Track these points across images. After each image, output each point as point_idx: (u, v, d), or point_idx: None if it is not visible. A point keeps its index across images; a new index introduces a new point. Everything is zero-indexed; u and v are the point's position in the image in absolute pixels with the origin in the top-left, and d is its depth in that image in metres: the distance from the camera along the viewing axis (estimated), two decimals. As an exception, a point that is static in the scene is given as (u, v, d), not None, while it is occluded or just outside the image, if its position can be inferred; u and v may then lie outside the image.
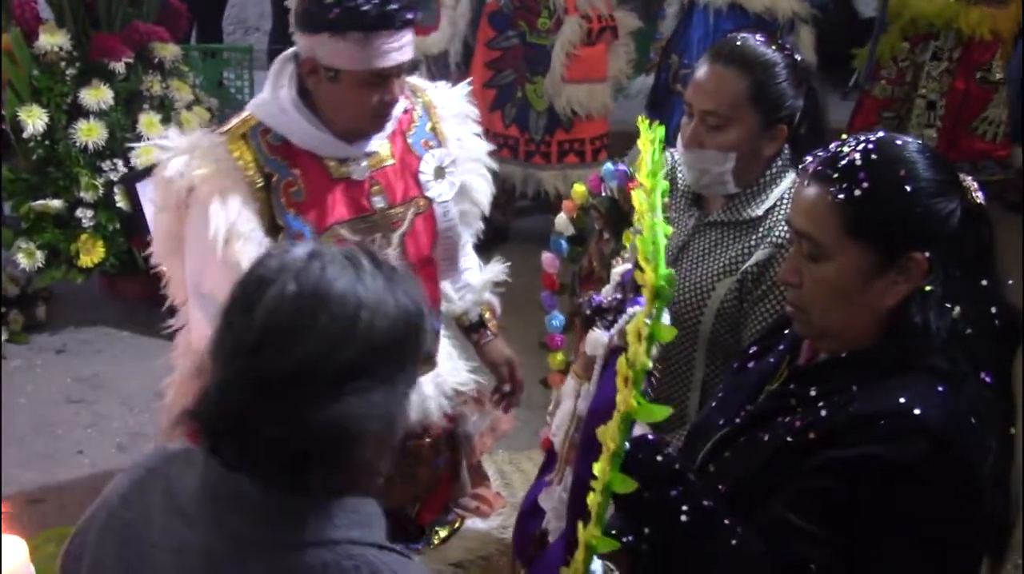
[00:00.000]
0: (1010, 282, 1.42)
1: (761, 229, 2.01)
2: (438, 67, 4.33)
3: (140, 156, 3.65)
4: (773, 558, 1.31)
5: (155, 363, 3.79)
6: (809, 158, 1.43)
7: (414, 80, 2.34)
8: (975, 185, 1.40)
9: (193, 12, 5.56)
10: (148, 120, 3.84)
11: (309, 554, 1.12)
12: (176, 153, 2.07)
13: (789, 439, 1.37)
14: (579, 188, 2.12)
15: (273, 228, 2.07)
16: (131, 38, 3.83)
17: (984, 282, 1.37)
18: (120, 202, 3.83)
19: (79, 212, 3.82)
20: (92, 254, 3.84)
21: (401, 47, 1.98)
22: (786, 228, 1.93)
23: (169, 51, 3.96)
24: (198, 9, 5.61)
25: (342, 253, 1.18)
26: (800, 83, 1.99)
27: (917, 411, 1.28)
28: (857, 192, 1.34)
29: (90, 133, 3.77)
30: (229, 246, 2.00)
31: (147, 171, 3.48)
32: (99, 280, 4.13)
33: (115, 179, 3.83)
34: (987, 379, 1.35)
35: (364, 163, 2.14)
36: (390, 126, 2.16)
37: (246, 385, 1.13)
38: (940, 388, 1.32)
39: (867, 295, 1.37)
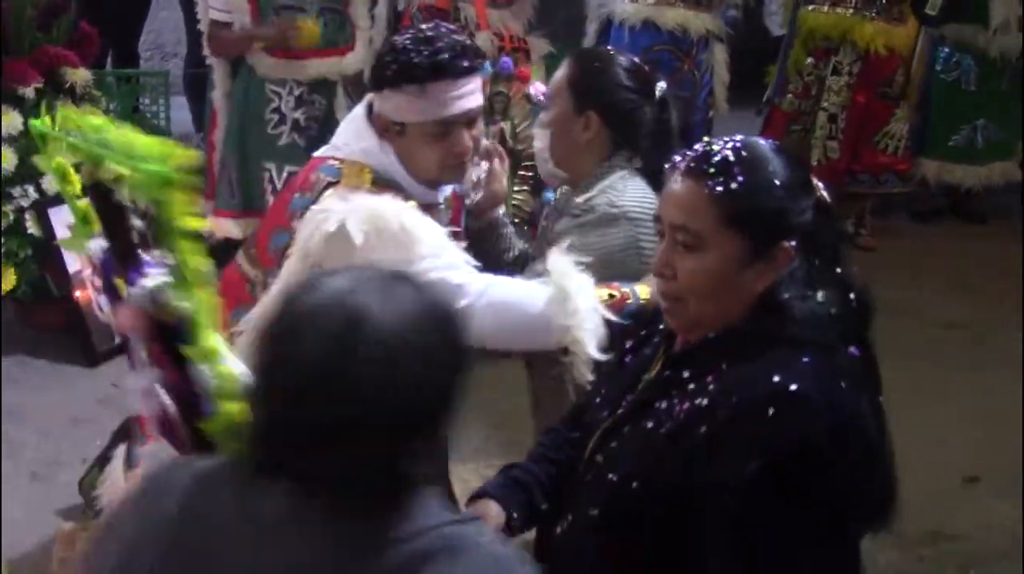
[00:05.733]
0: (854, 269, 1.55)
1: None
2: (355, 88, 4.35)
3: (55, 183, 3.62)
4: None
5: (70, 390, 3.79)
6: (677, 157, 1.53)
7: None
8: (821, 185, 1.53)
9: (108, 37, 5.52)
10: (59, 145, 3.81)
11: (409, 546, 1.15)
12: (346, 215, 1.98)
13: (671, 428, 1.43)
14: None
15: None
16: (40, 62, 3.81)
17: (839, 270, 1.49)
18: (32, 229, 3.79)
19: (-11, 239, 3.77)
20: (4, 281, 3.78)
21: (463, 96, 2.04)
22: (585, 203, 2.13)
23: (80, 76, 3.93)
24: (112, 34, 5.56)
25: (375, 287, 1.16)
26: (644, 85, 2.22)
27: (793, 387, 1.36)
28: (733, 185, 1.44)
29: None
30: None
31: (59, 198, 3.45)
32: (13, 308, 4.08)
33: (26, 206, 3.78)
34: (855, 352, 1.46)
35: (443, 207, 2.21)
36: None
37: (287, 431, 1.15)
38: (805, 359, 1.40)
39: (740, 282, 1.47)
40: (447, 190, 2.22)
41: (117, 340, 3.99)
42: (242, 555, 1.17)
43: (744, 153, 1.47)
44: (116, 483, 2.42)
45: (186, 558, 1.20)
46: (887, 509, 1.47)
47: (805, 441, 1.35)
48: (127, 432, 2.60)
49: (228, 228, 4.00)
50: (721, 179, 1.45)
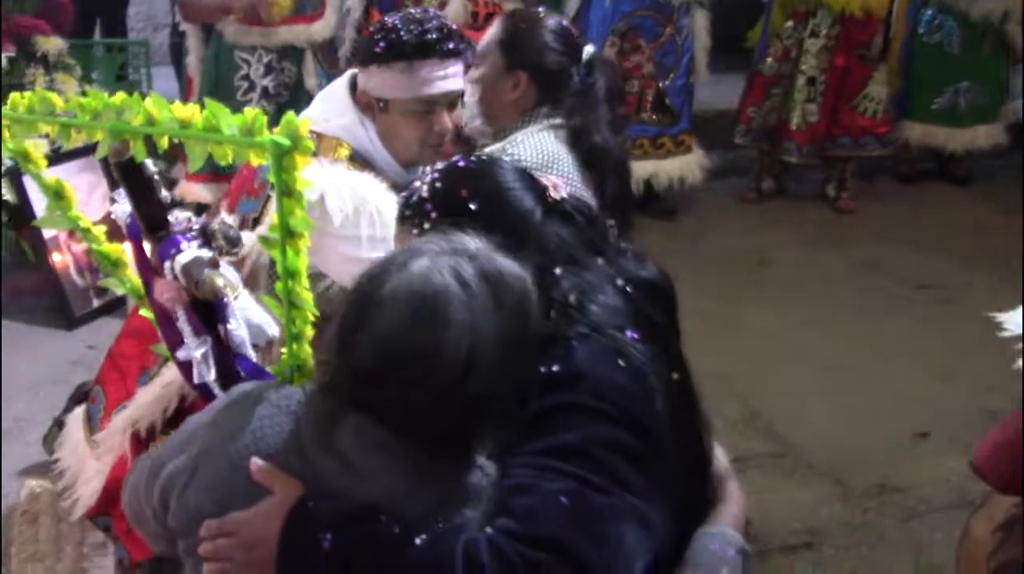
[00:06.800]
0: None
1: None
2: (325, 55, 4.40)
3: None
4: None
5: (44, 352, 3.89)
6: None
7: None
8: (552, 182, 1.49)
9: (95, 8, 5.60)
10: (32, 113, 3.88)
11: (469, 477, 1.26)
12: (325, 187, 2.02)
13: None
14: None
15: None
16: (12, 31, 3.88)
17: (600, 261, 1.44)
18: (6, 194, 3.88)
19: (-35, 207, 3.87)
20: (-20, 247, 3.88)
21: (446, 76, 2.09)
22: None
23: (52, 44, 4.01)
24: (99, 5, 5.65)
25: (451, 272, 1.21)
26: (571, 47, 2.30)
27: (556, 368, 1.33)
28: (426, 225, 1.41)
29: (-27, 127, 3.80)
30: None
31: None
32: (-9, 273, 4.18)
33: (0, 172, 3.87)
34: (634, 335, 1.40)
35: None
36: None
37: (361, 400, 1.23)
38: (571, 343, 1.35)
39: None
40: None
41: (95, 303, 4.10)
42: (317, 479, 1.25)
43: (438, 184, 1.44)
44: (75, 444, 2.47)
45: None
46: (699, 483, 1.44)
47: (567, 403, 1.31)
48: (86, 394, 2.67)
49: (198, 192, 4.07)
50: (416, 221, 1.44)
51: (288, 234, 1.39)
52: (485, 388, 1.22)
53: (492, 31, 2.37)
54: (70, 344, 3.88)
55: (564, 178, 2.18)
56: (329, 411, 1.27)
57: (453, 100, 2.15)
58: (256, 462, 1.25)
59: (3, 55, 3.84)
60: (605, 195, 2.29)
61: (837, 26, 5.13)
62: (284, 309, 1.47)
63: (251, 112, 1.33)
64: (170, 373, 2.09)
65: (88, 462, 2.28)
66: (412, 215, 1.45)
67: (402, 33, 2.06)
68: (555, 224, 1.44)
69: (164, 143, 1.43)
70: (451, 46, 2.08)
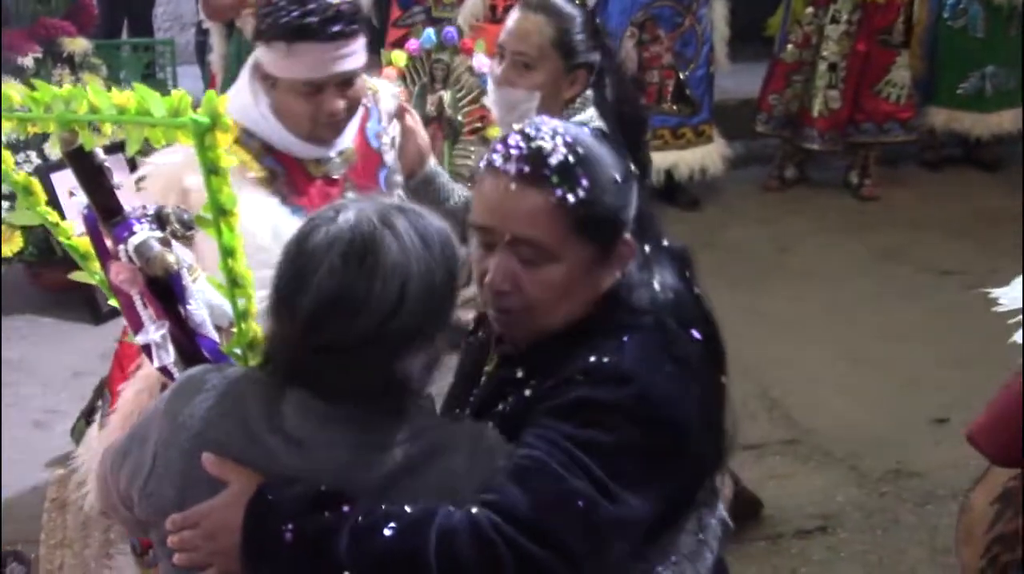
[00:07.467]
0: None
1: None
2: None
3: (53, 147, 3.78)
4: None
5: (74, 346, 3.99)
6: (496, 156, 1.37)
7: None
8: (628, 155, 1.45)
9: (123, 8, 5.70)
10: (59, 112, 3.97)
11: (420, 443, 1.30)
12: (175, 168, 2.04)
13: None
14: (398, 54, 2.38)
15: None
16: (38, 33, 3.97)
17: (665, 243, 1.45)
18: (36, 193, 3.96)
19: (-4, 204, 3.96)
20: (11, 243, 3.97)
21: (333, 59, 2.01)
22: None
23: (78, 45, 4.09)
24: (127, 5, 5.74)
25: (379, 217, 1.26)
26: (596, 36, 2.22)
27: (605, 360, 1.32)
28: (581, 192, 1.33)
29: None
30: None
31: (62, 162, 3.61)
32: (24, 270, 4.28)
33: (29, 171, 3.95)
34: (696, 335, 1.41)
35: (338, 160, 2.19)
36: (356, 120, 2.20)
37: (308, 350, 1.26)
38: (625, 338, 1.35)
39: (589, 285, 1.39)
40: (345, 142, 2.20)
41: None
42: (268, 461, 1.29)
43: (580, 150, 1.35)
44: (89, 441, 2.53)
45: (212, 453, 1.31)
46: (694, 500, 1.43)
47: (604, 401, 1.30)
48: (102, 390, 2.75)
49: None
50: (565, 186, 1.33)
51: (220, 212, 1.44)
52: (413, 325, 1.25)
53: (538, 33, 2.25)
54: (98, 338, 3.96)
55: None
56: (272, 392, 1.31)
57: (347, 79, 2.06)
58: (208, 457, 1.29)
59: (29, 56, 3.93)
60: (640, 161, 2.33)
61: (858, 11, 5.10)
62: (227, 287, 1.52)
63: (177, 94, 1.39)
64: (148, 363, 2.18)
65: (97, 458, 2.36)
66: (559, 181, 1.34)
67: (282, 14, 1.98)
68: (643, 199, 1.42)
69: (108, 129, 1.49)
70: (337, 28, 1.98)
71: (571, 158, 1.33)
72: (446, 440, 1.33)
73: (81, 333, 4.04)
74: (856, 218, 5.20)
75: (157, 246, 1.58)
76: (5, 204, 3.94)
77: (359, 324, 1.23)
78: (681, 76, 5.07)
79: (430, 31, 2.40)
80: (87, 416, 3.05)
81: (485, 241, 1.38)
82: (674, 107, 5.10)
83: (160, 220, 1.63)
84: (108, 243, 1.66)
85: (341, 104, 2.08)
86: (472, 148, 2.94)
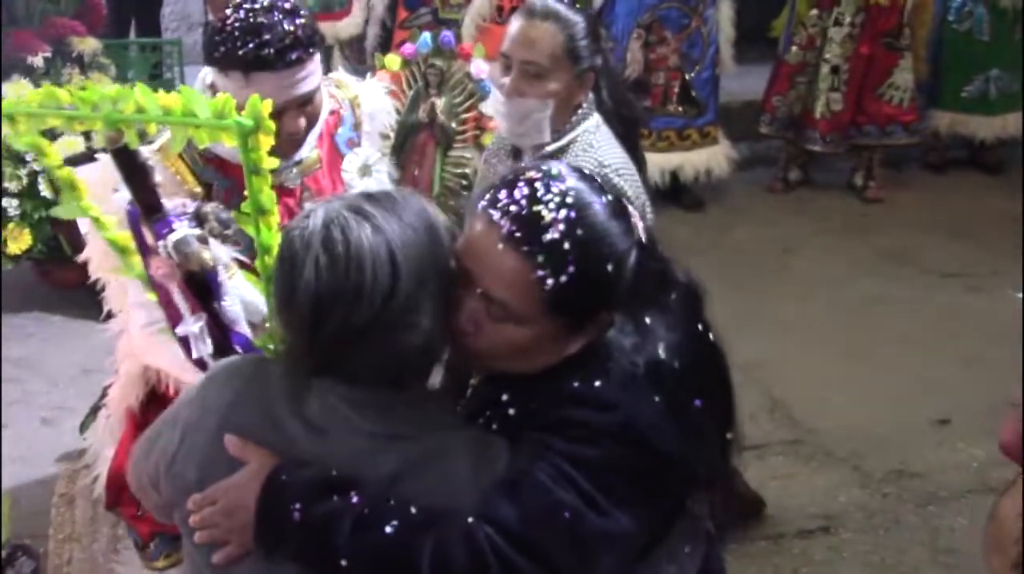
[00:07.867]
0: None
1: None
2: (353, 52, 4.48)
3: (66, 146, 3.80)
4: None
5: (82, 343, 4.01)
6: (497, 197, 1.32)
7: (340, 76, 2.41)
8: (635, 214, 1.38)
9: (130, 9, 5.73)
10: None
11: (431, 441, 1.33)
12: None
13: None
14: (392, 58, 2.46)
15: None
16: (47, 33, 3.99)
17: (663, 296, 1.38)
18: (45, 191, 3.99)
19: (4, 202, 3.98)
20: (19, 242, 4.00)
21: (290, 84, 1.99)
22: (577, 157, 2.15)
23: (88, 44, 4.12)
24: (135, 5, 5.77)
25: (349, 209, 1.29)
26: (598, 39, 2.24)
27: (597, 383, 1.32)
28: (564, 278, 1.28)
29: (12, 125, 3.92)
30: None
31: (70, 161, 3.64)
32: (32, 268, 4.31)
33: (38, 169, 3.98)
34: (697, 404, 1.36)
35: (294, 171, 2.17)
36: (316, 131, 2.19)
37: (320, 343, 1.29)
38: (609, 366, 1.33)
39: (552, 351, 1.36)
40: (306, 152, 2.18)
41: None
42: (288, 445, 1.33)
43: (579, 232, 1.28)
44: (96, 438, 2.57)
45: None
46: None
47: (593, 423, 1.30)
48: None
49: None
50: (549, 268, 1.28)
51: (259, 211, 1.47)
52: (414, 291, 1.27)
53: (548, 41, 2.21)
54: (106, 336, 3.98)
55: (630, 174, 2.25)
56: (296, 383, 1.35)
57: (304, 100, 2.05)
58: (230, 438, 1.33)
59: (39, 55, 3.95)
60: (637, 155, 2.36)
61: (862, 14, 5.12)
62: (263, 283, 1.56)
63: (222, 98, 1.42)
64: (125, 366, 2.28)
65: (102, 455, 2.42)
66: (545, 261, 1.29)
67: (238, 45, 1.94)
68: (643, 259, 1.35)
69: (152, 129, 1.54)
70: (294, 56, 1.96)
71: (566, 242, 1.28)
72: (456, 443, 1.35)
73: (89, 330, 4.01)
74: (860, 220, 5.21)
75: (195, 243, 1.64)
76: (7, 202, 3.97)
77: (361, 307, 1.26)
78: (687, 78, 5.09)
79: (426, 35, 2.37)
80: (95, 412, 3.07)
81: (463, 280, 1.34)
82: (680, 108, 5.12)
83: (199, 218, 1.69)
84: (148, 239, 1.72)
85: (302, 123, 2.08)
86: (467, 156, 2.93)
